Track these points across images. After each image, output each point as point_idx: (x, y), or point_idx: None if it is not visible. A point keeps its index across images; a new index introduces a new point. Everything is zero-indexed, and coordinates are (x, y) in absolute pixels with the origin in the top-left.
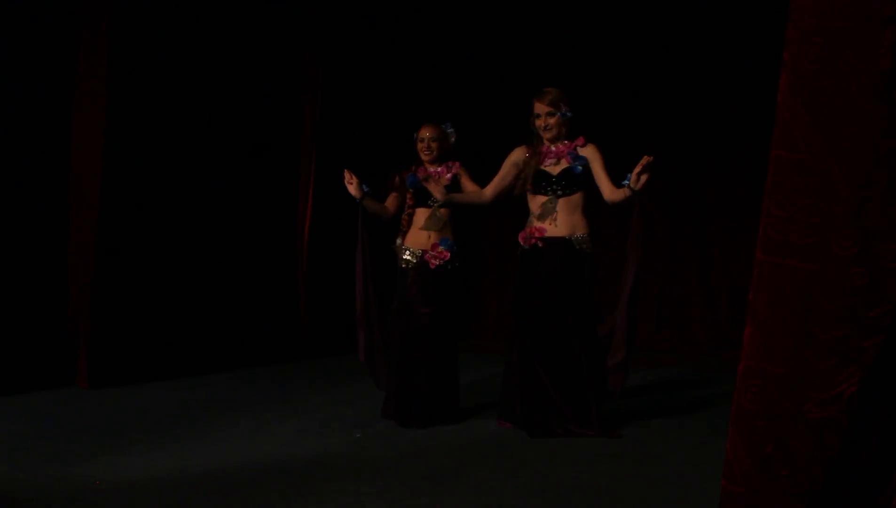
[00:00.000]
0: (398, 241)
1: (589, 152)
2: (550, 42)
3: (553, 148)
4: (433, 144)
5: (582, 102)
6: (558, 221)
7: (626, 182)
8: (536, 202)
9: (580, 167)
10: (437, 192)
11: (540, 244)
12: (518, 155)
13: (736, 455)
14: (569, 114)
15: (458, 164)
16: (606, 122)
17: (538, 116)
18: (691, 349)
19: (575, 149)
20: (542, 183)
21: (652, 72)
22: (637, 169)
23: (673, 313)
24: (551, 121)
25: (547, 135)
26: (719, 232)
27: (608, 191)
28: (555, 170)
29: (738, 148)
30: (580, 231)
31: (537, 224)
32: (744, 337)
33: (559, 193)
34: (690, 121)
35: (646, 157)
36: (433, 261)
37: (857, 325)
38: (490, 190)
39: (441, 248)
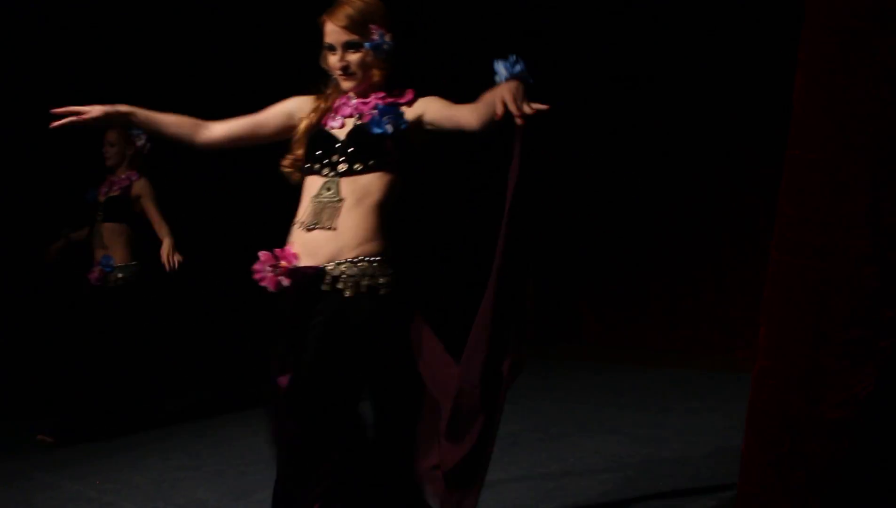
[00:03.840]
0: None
1: (419, 102)
2: (547, 34)
3: (354, 101)
4: (110, 150)
5: (583, 94)
6: (337, 227)
7: (503, 70)
8: (310, 189)
9: (388, 126)
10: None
11: (286, 282)
12: (300, 105)
13: (751, 455)
14: (386, 44)
15: (141, 177)
16: (609, 117)
17: (331, 47)
18: (705, 348)
19: (393, 104)
20: (318, 152)
21: (661, 66)
22: (498, 103)
23: (687, 312)
24: (353, 58)
25: (347, 83)
26: (734, 230)
27: (468, 113)
28: (343, 131)
29: (753, 146)
30: (369, 248)
31: (292, 243)
32: (759, 337)
33: (340, 169)
34: (703, 118)
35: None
36: (93, 280)
37: (872, 325)
38: (223, 129)
39: (99, 266)
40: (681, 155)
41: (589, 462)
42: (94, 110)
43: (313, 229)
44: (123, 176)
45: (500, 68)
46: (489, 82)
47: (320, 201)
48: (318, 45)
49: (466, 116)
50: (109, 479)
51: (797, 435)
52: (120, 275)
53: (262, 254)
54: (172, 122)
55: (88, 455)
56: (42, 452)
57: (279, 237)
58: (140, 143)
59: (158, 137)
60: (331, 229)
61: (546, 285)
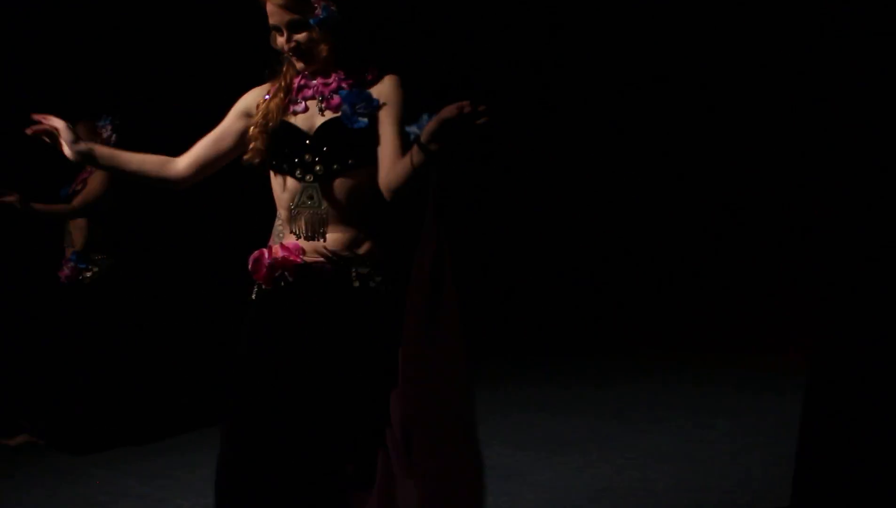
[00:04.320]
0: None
1: (385, 90)
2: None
3: (314, 81)
4: None
5: (636, 99)
6: (328, 234)
7: (416, 130)
8: (284, 193)
9: (362, 119)
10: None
11: (290, 279)
12: (255, 98)
13: (804, 457)
14: (332, 15)
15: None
16: (665, 123)
17: (277, 28)
18: (757, 349)
19: (360, 84)
20: (286, 149)
21: (706, 65)
22: (442, 115)
23: (739, 313)
24: (300, 37)
25: (300, 63)
26: (788, 229)
27: (388, 163)
28: (311, 122)
29: (811, 145)
30: (367, 250)
31: (286, 241)
32: (813, 338)
33: (318, 169)
34: (755, 118)
35: (463, 103)
36: (63, 278)
37: None
38: (187, 160)
39: (71, 263)
40: (735, 148)
41: (639, 462)
42: (57, 122)
43: (301, 238)
44: (89, 169)
45: (413, 129)
46: (489, 82)
47: (301, 212)
48: (265, 27)
49: (386, 168)
50: (163, 476)
51: (852, 438)
52: (94, 269)
53: (258, 255)
54: (136, 159)
55: (144, 453)
56: (98, 449)
57: (262, 229)
58: (105, 134)
59: (124, 179)
60: (323, 238)
61: (595, 290)
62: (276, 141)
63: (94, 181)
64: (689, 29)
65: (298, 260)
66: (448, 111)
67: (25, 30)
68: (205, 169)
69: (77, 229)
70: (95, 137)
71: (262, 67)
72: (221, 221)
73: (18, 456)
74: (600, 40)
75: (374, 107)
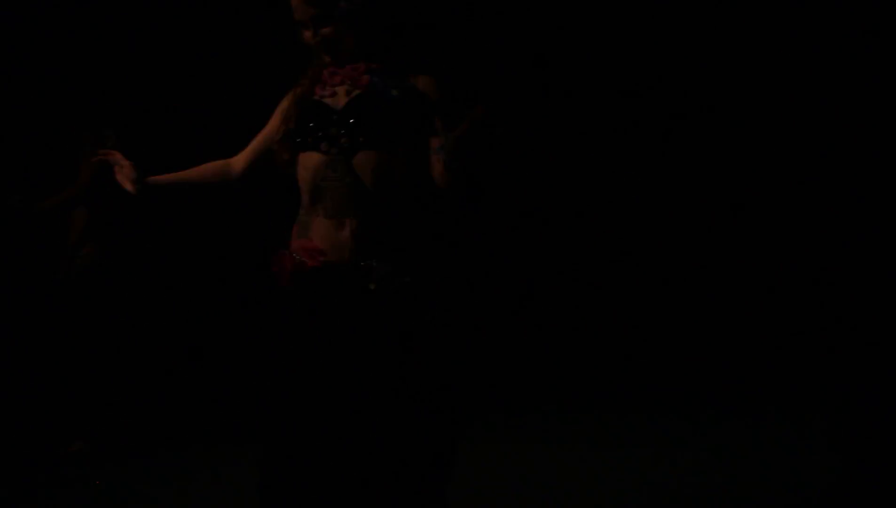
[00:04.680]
0: None
1: (425, 87)
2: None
3: (343, 69)
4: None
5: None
6: (351, 219)
7: (440, 150)
8: (309, 172)
9: (393, 90)
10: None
11: (311, 282)
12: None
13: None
14: (356, 6)
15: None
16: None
17: (303, 24)
18: (804, 352)
19: (394, 72)
20: (311, 123)
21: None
22: (456, 131)
23: (787, 316)
24: (326, 31)
25: (328, 57)
26: (827, 231)
27: (440, 166)
28: (338, 102)
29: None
30: (390, 245)
31: (306, 241)
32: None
33: (344, 142)
34: (770, 115)
35: (478, 107)
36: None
37: None
38: (243, 159)
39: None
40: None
41: (680, 465)
42: (123, 161)
43: (326, 217)
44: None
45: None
46: (489, 81)
47: (326, 186)
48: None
49: (438, 165)
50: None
51: None
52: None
53: (291, 249)
54: (196, 176)
55: (173, 451)
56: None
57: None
58: (110, 143)
59: (191, 196)
60: (347, 217)
61: (648, 304)
62: (304, 117)
63: (88, 164)
64: (689, 29)
65: (318, 263)
66: (462, 126)
67: (27, 38)
68: (260, 167)
69: (76, 222)
70: (100, 145)
71: (260, 73)
72: (218, 217)
73: (49, 457)
74: (602, 41)
75: (407, 85)
